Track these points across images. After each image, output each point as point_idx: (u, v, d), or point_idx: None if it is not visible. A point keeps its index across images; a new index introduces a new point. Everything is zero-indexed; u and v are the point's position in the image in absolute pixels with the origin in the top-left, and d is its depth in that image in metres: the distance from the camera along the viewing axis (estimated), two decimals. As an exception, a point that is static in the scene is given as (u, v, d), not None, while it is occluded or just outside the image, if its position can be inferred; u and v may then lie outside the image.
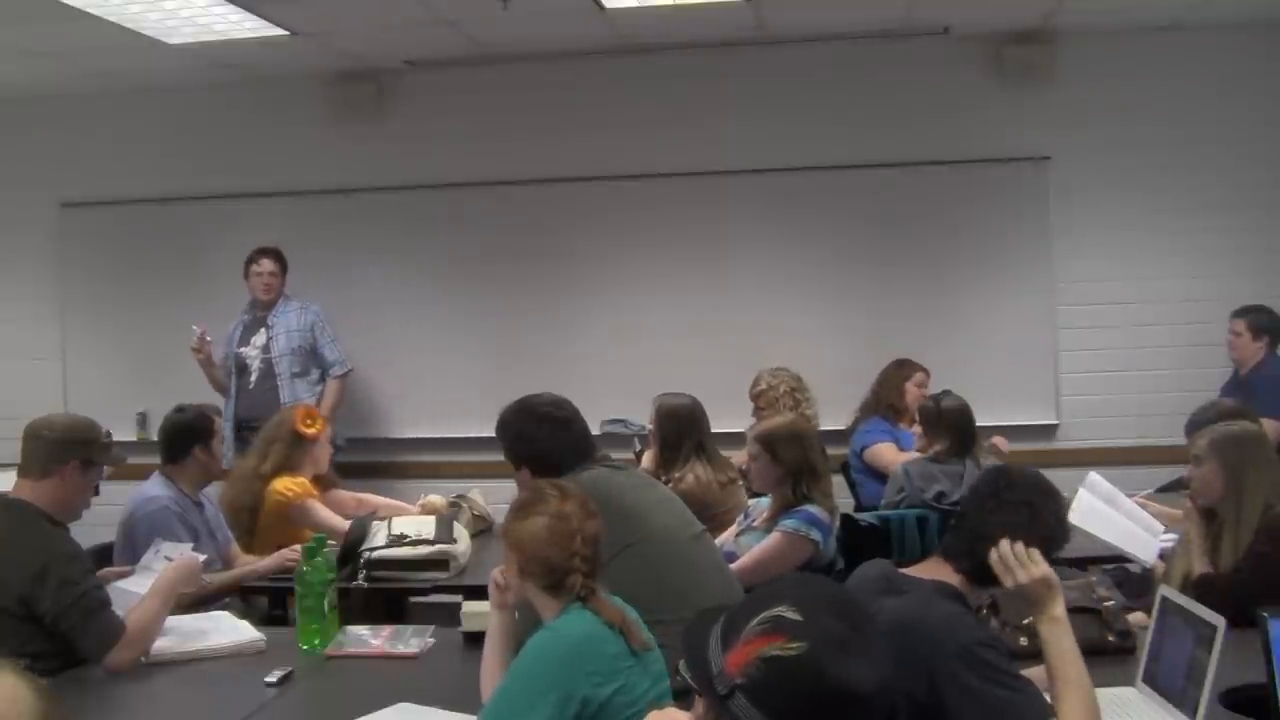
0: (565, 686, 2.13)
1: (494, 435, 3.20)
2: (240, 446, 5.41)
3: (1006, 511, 2.26)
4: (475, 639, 3.00)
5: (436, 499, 4.72)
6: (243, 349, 5.96)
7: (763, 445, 3.82)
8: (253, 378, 5.94)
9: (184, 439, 3.96)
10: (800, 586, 1.55)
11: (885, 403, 5.65)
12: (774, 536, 3.67)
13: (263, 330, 5.97)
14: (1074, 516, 3.77)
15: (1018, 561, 2.19)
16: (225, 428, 5.53)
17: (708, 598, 2.91)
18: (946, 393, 4.64)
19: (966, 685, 2.01)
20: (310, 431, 4.39)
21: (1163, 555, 3.55)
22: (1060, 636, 2.17)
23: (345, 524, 4.15)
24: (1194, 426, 4.02)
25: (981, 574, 2.24)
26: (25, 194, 6.73)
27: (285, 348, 5.94)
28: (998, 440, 5.12)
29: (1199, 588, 2.92)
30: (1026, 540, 2.21)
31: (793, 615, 1.43)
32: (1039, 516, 2.26)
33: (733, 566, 3.49)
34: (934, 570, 2.30)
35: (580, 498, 2.41)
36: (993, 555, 2.21)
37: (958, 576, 2.25)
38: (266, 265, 5.95)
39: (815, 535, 3.66)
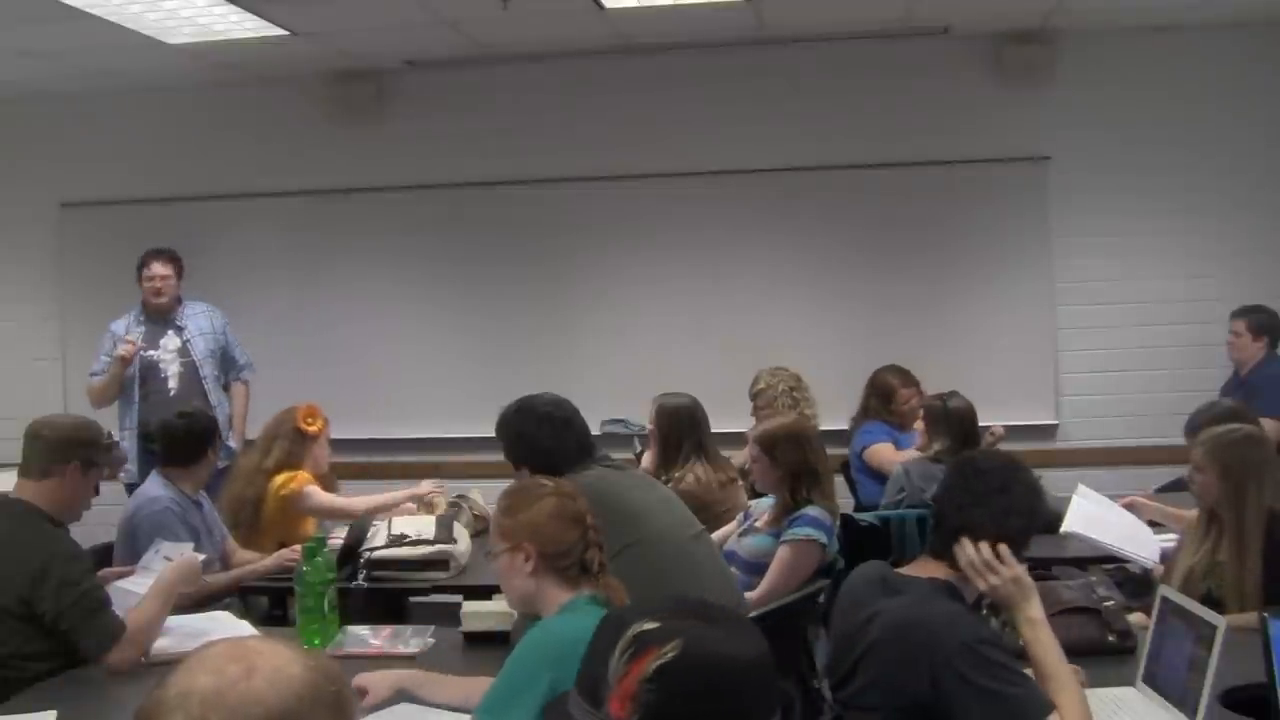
0: (554, 676, 2.08)
1: (494, 435, 3.21)
2: (147, 458, 5.03)
3: (981, 501, 2.27)
4: (475, 639, 3.01)
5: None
6: (151, 353, 5.58)
7: (762, 447, 3.82)
8: (171, 383, 5.59)
9: (198, 442, 3.97)
10: (638, 606, 1.49)
11: (879, 418, 5.61)
12: (781, 552, 3.65)
13: (172, 333, 5.65)
14: (1070, 523, 3.79)
15: (986, 565, 2.19)
16: (127, 438, 5.46)
17: (709, 597, 2.91)
18: (954, 394, 4.63)
19: (969, 682, 2.02)
20: (312, 429, 4.41)
21: (1164, 556, 3.56)
22: (1041, 636, 2.18)
23: (349, 503, 4.17)
24: (1193, 427, 4.02)
25: None
26: (25, 194, 6.73)
27: (205, 351, 5.65)
28: (996, 429, 5.12)
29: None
30: (1005, 534, 2.21)
31: (649, 625, 1.37)
32: (1013, 498, 2.28)
33: (752, 596, 3.49)
34: (926, 568, 2.30)
35: (568, 484, 2.41)
36: (961, 559, 2.21)
37: (950, 570, 2.26)
38: (157, 270, 5.60)
39: (821, 538, 3.66)
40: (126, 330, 5.61)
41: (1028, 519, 2.28)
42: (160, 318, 5.65)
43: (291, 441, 4.39)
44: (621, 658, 1.35)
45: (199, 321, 5.71)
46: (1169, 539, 3.74)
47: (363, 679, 2.51)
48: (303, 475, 4.35)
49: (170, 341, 5.64)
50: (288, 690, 1.14)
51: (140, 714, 1.13)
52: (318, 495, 4.32)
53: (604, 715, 1.34)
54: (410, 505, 4.51)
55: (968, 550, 2.20)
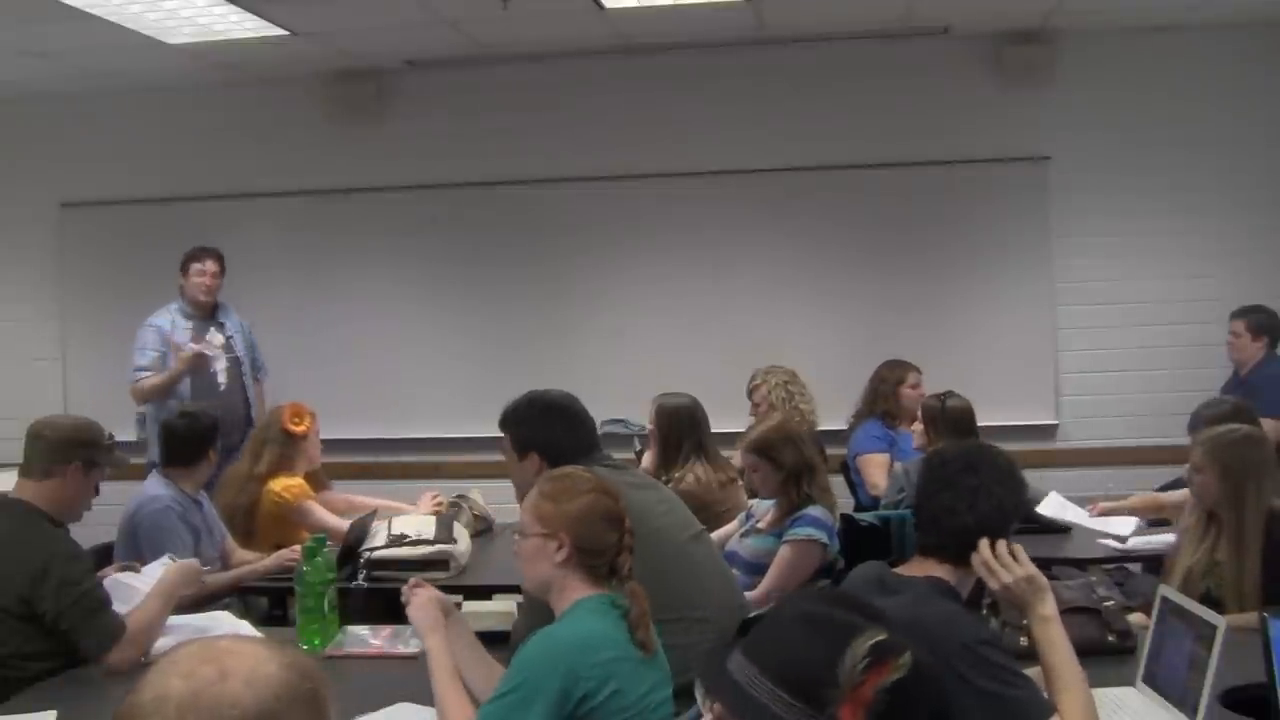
0: (563, 683, 2.09)
1: (493, 435, 3.18)
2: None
3: (949, 485, 2.27)
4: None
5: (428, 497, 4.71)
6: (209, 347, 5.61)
7: (759, 454, 3.82)
8: (220, 378, 5.60)
9: (200, 442, 3.97)
10: (849, 603, 1.49)
11: (881, 409, 5.61)
12: (782, 551, 3.67)
13: (214, 330, 5.66)
14: (1046, 508, 3.85)
15: (1000, 564, 2.19)
16: None
17: (708, 597, 2.92)
18: (951, 393, 4.64)
19: (969, 683, 2.01)
20: (300, 429, 4.40)
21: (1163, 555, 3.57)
22: (1052, 635, 2.17)
23: (344, 525, 4.16)
24: (1197, 423, 4.04)
25: (959, 554, 2.24)
26: (25, 194, 6.73)
27: (243, 348, 5.71)
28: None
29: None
30: (980, 516, 2.22)
31: (879, 634, 1.37)
32: (982, 478, 2.26)
33: (752, 596, 3.50)
34: (922, 567, 2.30)
35: (611, 483, 2.39)
36: (975, 559, 2.21)
37: (943, 567, 2.26)
38: (210, 266, 5.63)
39: (822, 538, 3.67)
40: (172, 326, 5.58)
41: (1000, 499, 2.26)
42: (203, 314, 5.67)
43: (281, 444, 4.38)
44: (859, 665, 1.35)
45: (234, 320, 5.76)
46: (1167, 538, 3.76)
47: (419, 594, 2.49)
48: (302, 487, 4.36)
49: (214, 338, 5.66)
50: (265, 690, 1.13)
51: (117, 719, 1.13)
52: (315, 513, 4.29)
53: (827, 717, 1.34)
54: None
55: (981, 551, 2.20)
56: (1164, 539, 3.79)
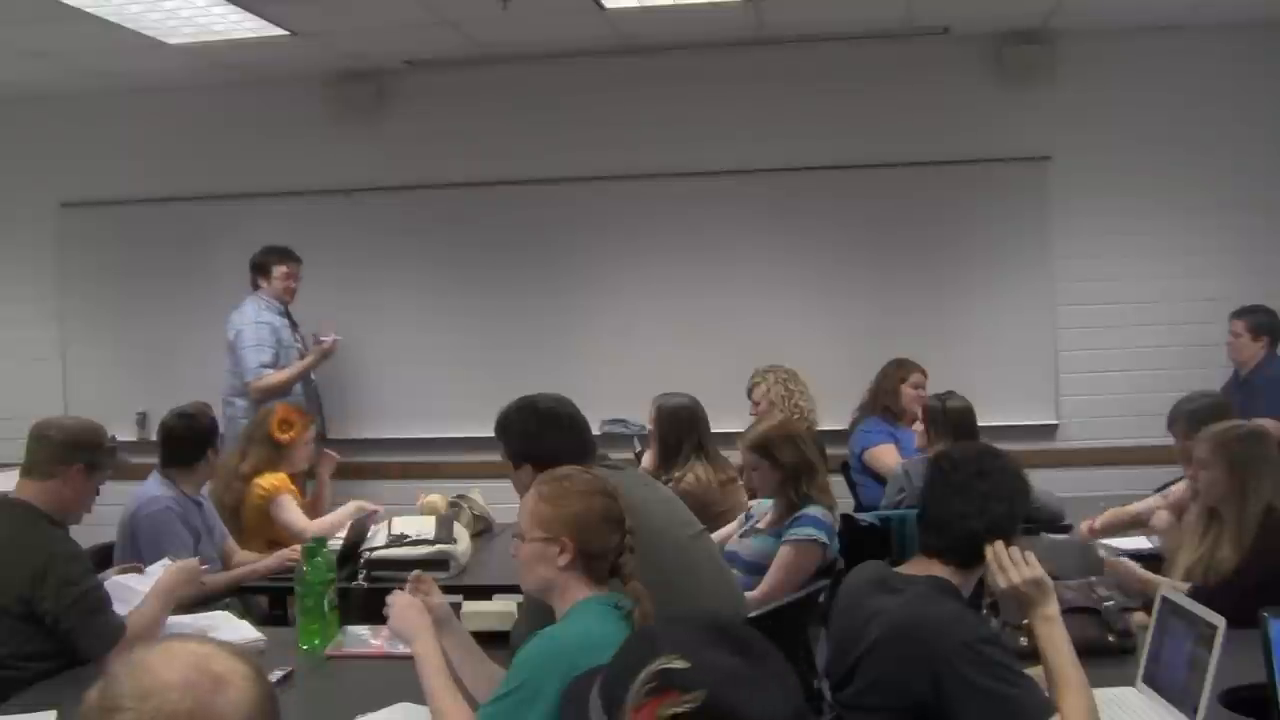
0: (559, 687, 2.04)
1: (494, 435, 3.20)
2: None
3: (960, 490, 2.28)
4: (475, 639, 3.01)
5: (436, 498, 4.73)
6: (298, 345, 5.98)
7: (760, 453, 3.82)
8: (312, 375, 6.00)
9: (199, 443, 3.98)
10: (675, 626, 1.42)
11: (882, 404, 5.63)
12: (782, 551, 3.67)
13: (295, 330, 6.00)
14: None
15: (1011, 563, 2.20)
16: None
17: (709, 596, 2.92)
18: (951, 393, 4.64)
19: (971, 682, 2.02)
20: (285, 438, 4.44)
21: (1161, 554, 3.57)
22: (1055, 635, 2.18)
23: (310, 525, 4.23)
24: (1174, 419, 4.05)
25: (965, 557, 2.25)
26: (25, 194, 6.73)
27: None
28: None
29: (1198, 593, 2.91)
30: (990, 519, 2.24)
31: (678, 664, 1.30)
32: (993, 483, 2.29)
33: (752, 596, 3.50)
34: (924, 567, 2.31)
35: (610, 483, 2.39)
36: (988, 554, 2.22)
37: (946, 567, 2.26)
38: (296, 269, 5.94)
39: (822, 538, 3.67)
40: (282, 327, 5.86)
41: (1010, 503, 2.29)
42: (286, 313, 5.96)
43: (267, 448, 4.42)
44: (642, 688, 1.30)
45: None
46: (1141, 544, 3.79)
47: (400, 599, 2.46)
48: (283, 480, 4.41)
49: (298, 338, 5.98)
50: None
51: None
52: (287, 511, 4.33)
53: None
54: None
55: (997, 546, 2.23)
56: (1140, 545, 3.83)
